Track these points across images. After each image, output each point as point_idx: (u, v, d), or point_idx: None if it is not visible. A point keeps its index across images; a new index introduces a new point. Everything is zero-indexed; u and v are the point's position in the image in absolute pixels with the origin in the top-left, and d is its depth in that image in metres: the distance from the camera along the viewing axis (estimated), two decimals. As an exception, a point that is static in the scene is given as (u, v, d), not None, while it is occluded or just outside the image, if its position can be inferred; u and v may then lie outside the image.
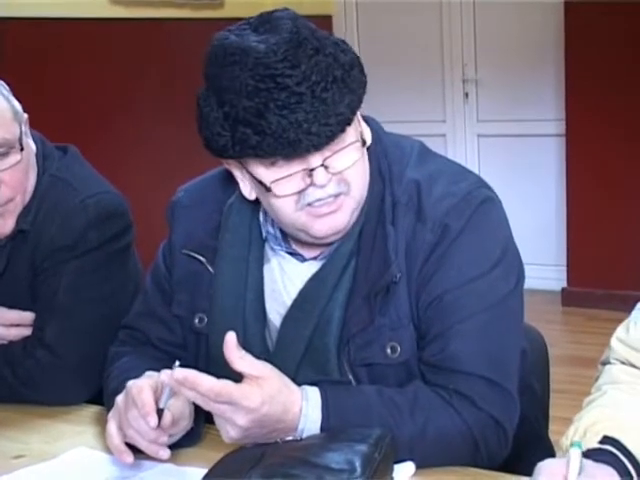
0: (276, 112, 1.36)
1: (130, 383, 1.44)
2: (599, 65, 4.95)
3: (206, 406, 1.34)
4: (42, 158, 1.85)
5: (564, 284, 5.34)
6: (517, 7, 5.36)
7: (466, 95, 5.65)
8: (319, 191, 1.43)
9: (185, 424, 1.46)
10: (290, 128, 1.36)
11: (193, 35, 4.43)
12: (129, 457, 1.40)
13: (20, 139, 1.75)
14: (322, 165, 1.41)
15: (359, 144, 1.46)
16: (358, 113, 1.48)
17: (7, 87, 1.79)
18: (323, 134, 1.38)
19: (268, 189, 1.44)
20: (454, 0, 5.55)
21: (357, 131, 1.47)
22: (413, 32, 5.68)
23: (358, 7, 5.85)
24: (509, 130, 5.56)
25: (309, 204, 1.44)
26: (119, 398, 1.45)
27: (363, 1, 5.81)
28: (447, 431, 1.41)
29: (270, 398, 1.34)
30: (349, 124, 1.42)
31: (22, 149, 1.75)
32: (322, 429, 1.39)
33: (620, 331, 1.47)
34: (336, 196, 1.45)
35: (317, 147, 1.39)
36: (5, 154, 1.72)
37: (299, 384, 1.42)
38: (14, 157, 1.74)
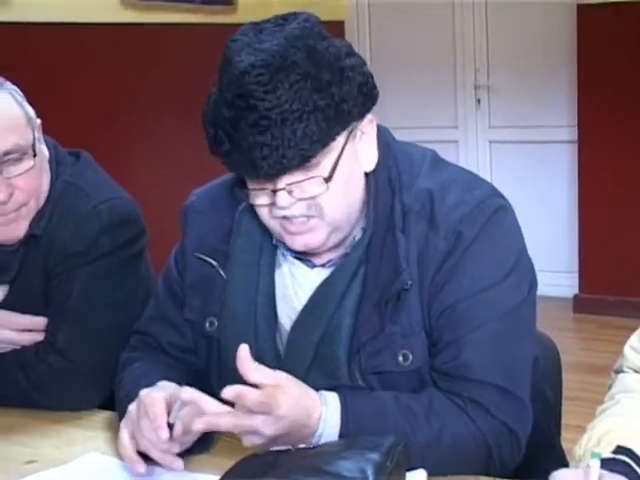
0: (246, 130, 1.36)
1: (143, 393, 1.44)
2: (612, 68, 4.92)
3: (235, 429, 1.34)
4: (55, 164, 1.86)
5: (576, 291, 5.32)
6: (529, 13, 5.35)
7: (478, 101, 5.64)
8: (283, 211, 1.43)
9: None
10: (257, 147, 1.36)
11: (207, 40, 4.43)
12: (141, 467, 1.40)
13: (33, 145, 1.75)
14: (284, 189, 1.41)
15: (320, 180, 1.41)
16: (358, 139, 1.46)
17: (21, 93, 1.79)
18: (279, 165, 1.37)
19: (247, 194, 1.46)
20: (466, 5, 5.55)
21: (333, 164, 1.42)
22: (425, 38, 5.67)
23: (370, 13, 5.85)
24: (521, 136, 5.54)
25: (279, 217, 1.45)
26: (132, 407, 1.45)
27: (375, 7, 5.82)
28: (462, 438, 1.41)
29: (295, 403, 1.34)
30: (307, 161, 1.39)
31: (35, 155, 1.75)
32: (341, 434, 1.39)
33: (633, 339, 1.47)
34: (307, 216, 1.44)
35: (269, 176, 1.39)
36: (19, 160, 1.73)
37: (310, 389, 1.43)
38: (27, 163, 1.74)
